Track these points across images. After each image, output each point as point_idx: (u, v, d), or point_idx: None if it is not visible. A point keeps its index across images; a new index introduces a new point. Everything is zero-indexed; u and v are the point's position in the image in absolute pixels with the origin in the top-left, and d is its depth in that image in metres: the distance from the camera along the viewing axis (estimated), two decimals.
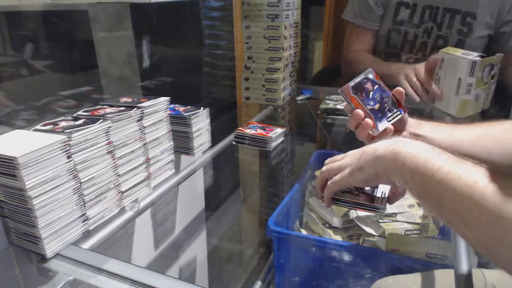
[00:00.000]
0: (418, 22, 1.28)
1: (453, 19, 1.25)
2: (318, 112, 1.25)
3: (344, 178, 0.57)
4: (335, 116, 1.22)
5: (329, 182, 0.59)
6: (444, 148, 0.47)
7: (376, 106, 0.66)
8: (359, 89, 0.66)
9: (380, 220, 0.68)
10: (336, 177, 0.58)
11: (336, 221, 0.67)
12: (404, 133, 0.66)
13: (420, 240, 0.63)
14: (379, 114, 0.65)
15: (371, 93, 0.67)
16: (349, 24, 1.40)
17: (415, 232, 0.65)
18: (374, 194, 0.67)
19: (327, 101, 1.26)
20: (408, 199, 0.70)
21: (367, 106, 0.65)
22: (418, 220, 0.68)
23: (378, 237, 0.64)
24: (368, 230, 0.65)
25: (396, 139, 0.52)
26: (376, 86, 0.67)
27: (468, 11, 1.23)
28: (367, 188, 0.68)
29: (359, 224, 0.66)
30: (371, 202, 0.65)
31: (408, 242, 0.61)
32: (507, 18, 1.23)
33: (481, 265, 0.62)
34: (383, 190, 0.68)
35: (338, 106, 1.22)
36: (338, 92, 0.66)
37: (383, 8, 1.32)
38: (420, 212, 0.69)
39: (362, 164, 0.54)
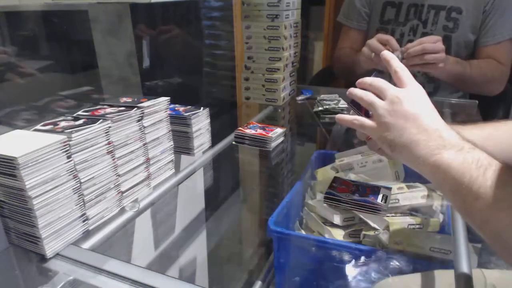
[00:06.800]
0: (404, 21, 1.29)
1: (437, 15, 1.24)
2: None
3: (370, 128, 0.52)
4: (335, 116, 1.22)
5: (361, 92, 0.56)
6: None
7: None
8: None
9: (383, 213, 0.68)
10: (366, 123, 0.53)
11: (336, 219, 0.67)
12: None
13: (424, 234, 0.63)
14: None
15: None
16: (342, 25, 1.44)
17: (417, 227, 0.65)
18: (375, 195, 0.67)
19: (319, 102, 1.28)
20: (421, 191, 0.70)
21: None
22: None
23: (380, 231, 0.64)
24: (373, 224, 0.65)
25: (444, 138, 0.46)
26: None
27: (453, 6, 1.22)
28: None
29: (363, 218, 0.66)
30: (372, 203, 0.65)
31: (412, 235, 0.60)
32: (489, 9, 1.20)
33: (481, 265, 0.62)
34: (384, 192, 0.68)
35: (333, 105, 1.23)
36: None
37: (369, 8, 1.35)
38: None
39: (396, 144, 0.49)
